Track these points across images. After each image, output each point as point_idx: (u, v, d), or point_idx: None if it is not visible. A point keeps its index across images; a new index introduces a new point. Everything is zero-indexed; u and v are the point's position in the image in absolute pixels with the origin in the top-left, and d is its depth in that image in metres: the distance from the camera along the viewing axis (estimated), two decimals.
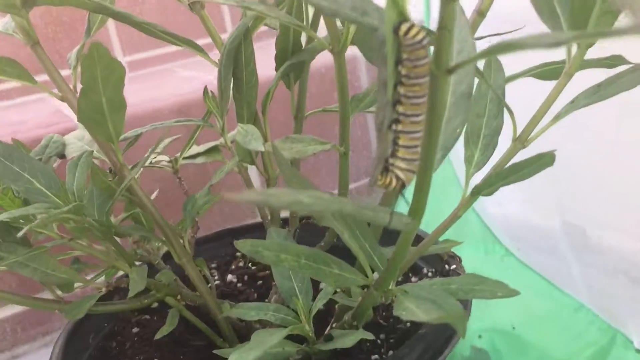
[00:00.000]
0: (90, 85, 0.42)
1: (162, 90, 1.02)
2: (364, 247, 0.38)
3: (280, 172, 0.32)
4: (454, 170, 1.02)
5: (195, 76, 1.11)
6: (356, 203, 0.25)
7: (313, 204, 0.23)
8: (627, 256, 0.83)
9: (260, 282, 0.59)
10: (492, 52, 0.23)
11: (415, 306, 0.31)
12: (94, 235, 0.45)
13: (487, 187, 0.38)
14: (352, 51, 0.45)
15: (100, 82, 0.42)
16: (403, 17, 0.24)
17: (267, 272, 0.59)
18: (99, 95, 0.43)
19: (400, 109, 0.25)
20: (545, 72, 0.46)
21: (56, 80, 0.47)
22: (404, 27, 0.24)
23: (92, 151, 0.46)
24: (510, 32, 0.49)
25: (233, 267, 0.61)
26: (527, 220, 1.02)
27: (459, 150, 1.03)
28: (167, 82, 1.11)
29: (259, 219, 0.59)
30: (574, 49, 0.39)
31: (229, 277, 0.59)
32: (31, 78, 0.47)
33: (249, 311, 0.42)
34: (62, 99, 0.48)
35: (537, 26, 0.42)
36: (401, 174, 0.26)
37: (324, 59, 0.49)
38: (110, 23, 1.14)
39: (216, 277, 0.60)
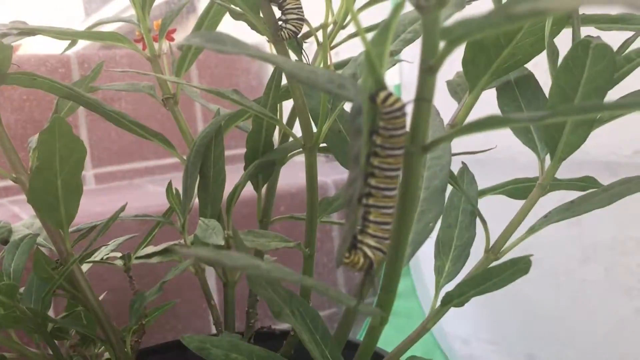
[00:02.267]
0: (47, 162, 0.40)
1: (128, 204, 1.01)
2: (323, 354, 0.34)
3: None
4: (412, 282, 1.00)
5: (162, 192, 1.10)
6: (319, 281, 0.23)
7: (271, 270, 0.20)
8: None
9: None
10: (474, 128, 0.22)
11: None
12: (27, 328, 0.41)
13: (459, 296, 0.36)
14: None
15: (57, 160, 0.40)
16: (380, 85, 0.23)
17: None
18: (54, 175, 0.40)
19: (372, 181, 0.24)
20: (517, 189, 0.46)
21: (12, 161, 0.45)
22: (382, 95, 0.23)
23: (37, 235, 0.43)
24: (484, 150, 0.49)
25: None
26: None
27: (419, 263, 0.99)
28: (134, 196, 1.09)
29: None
30: (547, 162, 0.39)
31: None
32: None
33: None
34: (15, 181, 0.45)
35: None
36: (370, 253, 0.24)
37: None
38: (84, 135, 1.14)
39: None
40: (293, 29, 0.37)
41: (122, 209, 0.44)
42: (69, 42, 0.51)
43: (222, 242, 0.41)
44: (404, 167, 0.25)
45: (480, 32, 0.19)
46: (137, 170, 1.19)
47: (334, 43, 0.49)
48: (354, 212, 0.24)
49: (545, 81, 0.42)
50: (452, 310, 1.04)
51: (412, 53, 0.46)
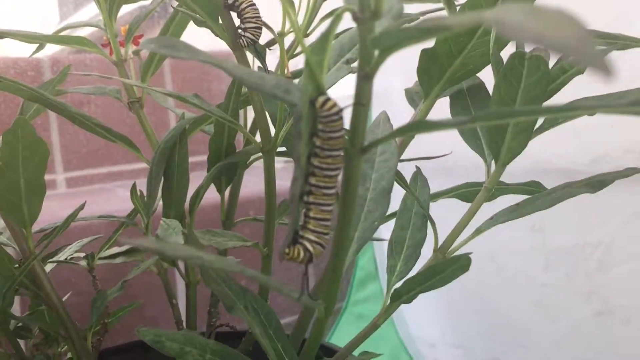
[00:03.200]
0: (10, 163, 0.41)
1: (98, 207, 1.01)
2: (275, 348, 0.35)
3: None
4: (381, 287, 1.02)
5: None
6: (262, 274, 0.24)
7: (214, 261, 0.22)
8: None
9: None
10: (405, 130, 0.24)
11: None
12: None
13: (407, 293, 0.38)
14: None
15: (20, 161, 0.41)
16: (320, 91, 0.25)
17: None
18: (17, 175, 0.41)
19: (312, 180, 0.25)
20: (468, 193, 0.48)
21: None
22: (320, 99, 0.24)
23: (0, 233, 0.44)
24: (440, 156, 0.51)
25: None
26: None
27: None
28: (104, 200, 1.09)
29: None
30: (492, 166, 0.41)
31: None
32: None
33: None
34: None
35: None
36: (310, 247, 0.26)
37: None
38: (55, 138, 1.14)
39: None
40: (251, 37, 0.39)
41: (82, 207, 0.45)
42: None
43: (182, 242, 0.42)
44: (345, 167, 0.26)
45: (406, 43, 0.21)
46: (108, 174, 1.19)
47: (297, 51, 0.51)
48: (295, 209, 0.25)
49: None
50: (420, 315, 1.06)
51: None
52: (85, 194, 1.13)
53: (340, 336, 1.04)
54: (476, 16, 0.16)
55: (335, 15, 0.24)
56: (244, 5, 0.39)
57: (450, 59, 0.43)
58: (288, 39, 0.48)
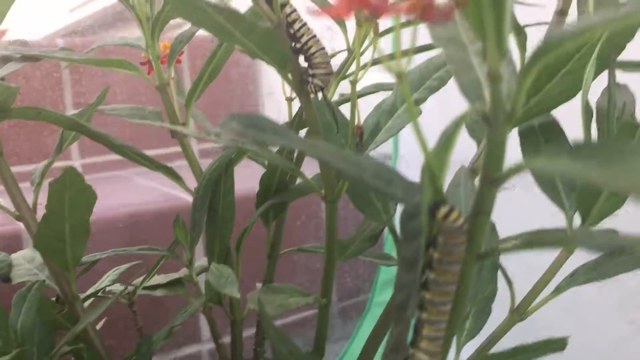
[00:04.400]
0: (56, 211, 0.38)
1: (116, 199, 0.97)
2: None
3: (266, 334, 0.28)
4: None
5: (152, 186, 1.07)
6: None
7: None
8: None
9: None
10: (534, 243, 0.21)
11: None
12: None
13: None
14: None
15: (67, 208, 0.38)
16: (439, 196, 0.22)
17: None
18: (62, 222, 0.39)
19: (427, 295, 0.22)
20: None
21: (14, 196, 0.43)
22: (443, 210, 0.21)
23: (44, 281, 0.41)
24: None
25: None
26: None
27: None
28: (122, 189, 1.06)
29: None
30: (577, 222, 0.38)
31: None
32: None
33: None
34: (18, 218, 0.43)
35: None
36: None
37: None
38: None
39: None
40: (320, 83, 0.35)
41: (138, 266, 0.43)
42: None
43: (238, 295, 0.39)
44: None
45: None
46: (125, 160, 1.16)
47: (348, 72, 0.48)
48: (404, 323, 0.22)
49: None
50: None
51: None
52: (102, 181, 1.10)
53: (364, 335, 1.02)
54: None
55: (460, 118, 0.21)
56: (313, 50, 0.35)
57: (525, 98, 0.39)
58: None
